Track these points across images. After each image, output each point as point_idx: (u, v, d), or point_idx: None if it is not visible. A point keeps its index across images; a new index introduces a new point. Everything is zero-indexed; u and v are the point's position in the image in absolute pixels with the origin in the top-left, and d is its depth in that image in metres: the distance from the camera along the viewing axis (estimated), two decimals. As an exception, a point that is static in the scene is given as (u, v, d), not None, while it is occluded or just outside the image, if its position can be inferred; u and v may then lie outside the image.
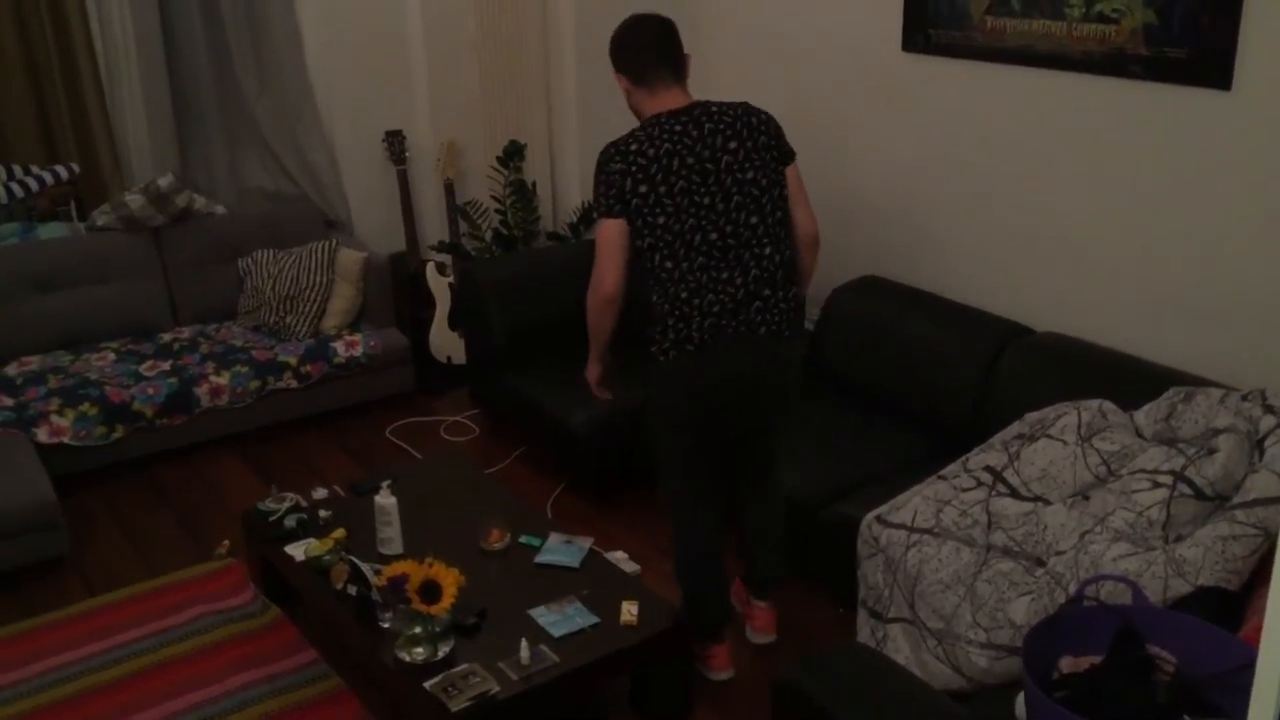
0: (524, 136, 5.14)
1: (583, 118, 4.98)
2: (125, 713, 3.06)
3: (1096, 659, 2.24)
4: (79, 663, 3.27)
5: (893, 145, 4.16)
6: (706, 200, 2.87)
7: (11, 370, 4.38)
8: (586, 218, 5.06)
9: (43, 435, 4.05)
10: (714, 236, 2.88)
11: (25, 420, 4.04)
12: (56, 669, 3.24)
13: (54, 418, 4.09)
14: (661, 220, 2.86)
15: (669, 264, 2.89)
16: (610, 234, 2.90)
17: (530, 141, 5.14)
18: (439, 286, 5.05)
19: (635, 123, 3.03)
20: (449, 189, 5.15)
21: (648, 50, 2.95)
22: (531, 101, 5.11)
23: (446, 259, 5.14)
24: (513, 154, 5.10)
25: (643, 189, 2.85)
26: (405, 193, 5.15)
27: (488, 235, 5.21)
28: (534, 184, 5.17)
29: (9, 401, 4.13)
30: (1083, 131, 3.52)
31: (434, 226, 5.37)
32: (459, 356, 5.09)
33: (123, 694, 3.14)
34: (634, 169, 2.85)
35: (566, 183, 5.14)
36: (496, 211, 5.21)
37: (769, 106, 4.61)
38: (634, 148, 2.87)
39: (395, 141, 5.13)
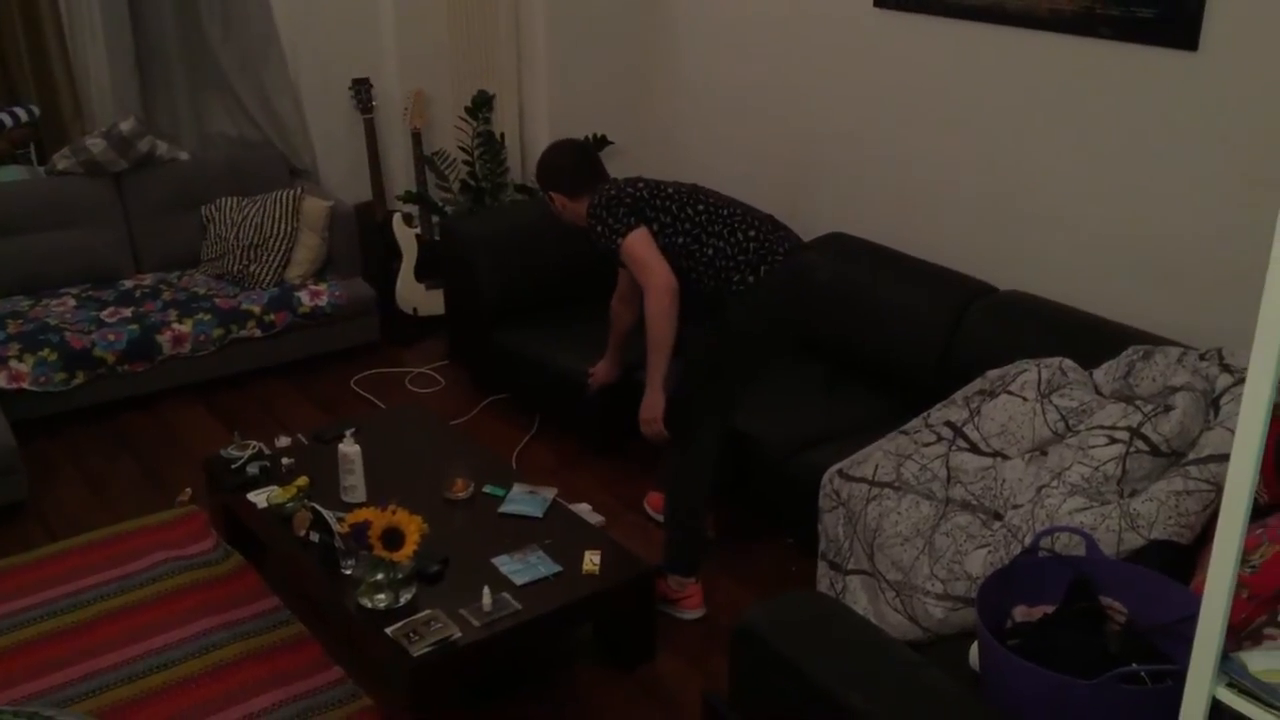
0: (493, 87, 5.10)
1: (552, 69, 4.94)
2: (85, 657, 3.06)
3: (1049, 609, 2.28)
4: (39, 607, 3.26)
5: (862, 101, 4.16)
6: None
7: (-31, 315, 4.33)
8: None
9: (2, 380, 4.01)
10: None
11: (-16, 365, 4.00)
12: (16, 613, 3.23)
13: (13, 363, 4.04)
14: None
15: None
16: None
17: (499, 92, 5.10)
18: (406, 237, 5.01)
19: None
20: (417, 139, 5.10)
21: (577, 169, 3.32)
22: (501, 51, 5.05)
23: (413, 209, 5.10)
24: (481, 104, 5.06)
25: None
26: (372, 142, 5.09)
27: (455, 186, 5.18)
28: (502, 135, 5.13)
29: (-33, 346, 4.09)
30: (1050, 90, 3.53)
31: (401, 176, 5.32)
32: (425, 308, 5.07)
33: (82, 639, 3.13)
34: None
35: (535, 134, 5.10)
36: (464, 163, 5.17)
37: (740, 61, 4.62)
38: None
39: (362, 89, 5.07)
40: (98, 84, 4.82)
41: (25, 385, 4.06)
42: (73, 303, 4.46)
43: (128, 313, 4.38)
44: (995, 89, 3.69)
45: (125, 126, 4.61)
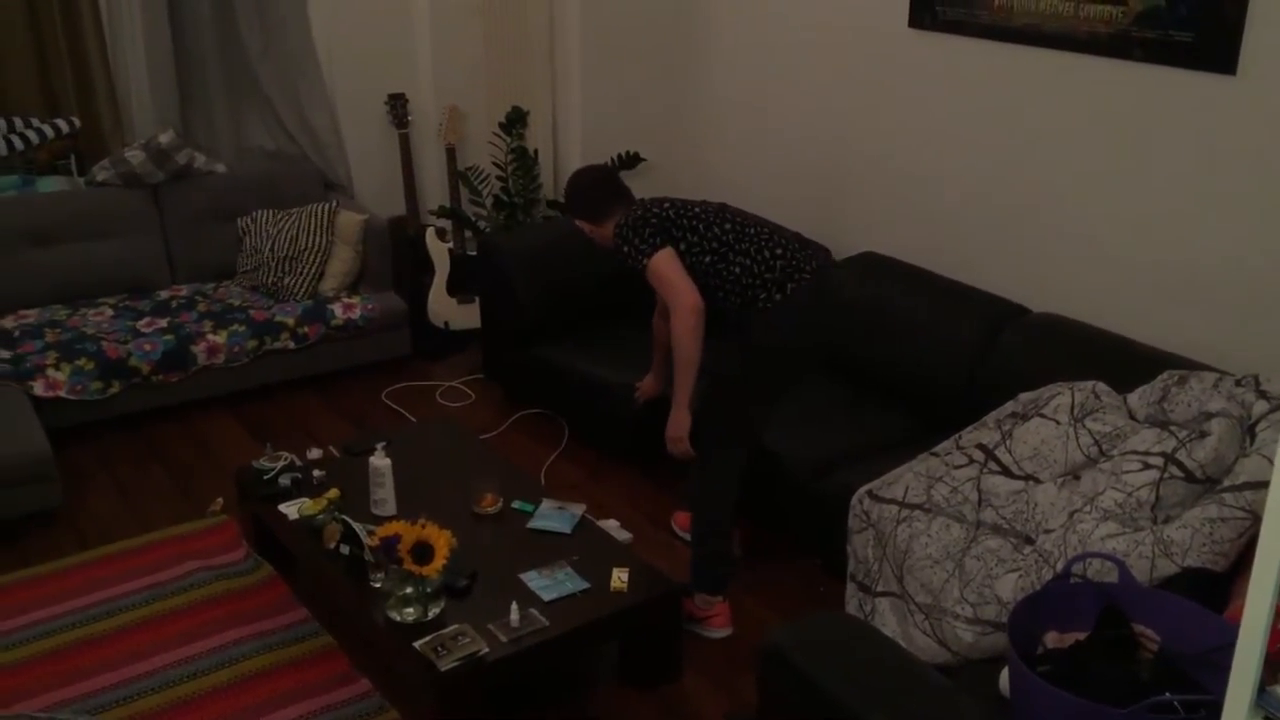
0: (527, 103, 5.12)
1: (586, 85, 4.96)
2: (115, 665, 3.08)
3: (1081, 635, 2.26)
4: (70, 615, 3.29)
5: (896, 122, 4.15)
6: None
7: (9, 323, 4.38)
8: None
9: (39, 388, 4.05)
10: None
11: (22, 373, 4.04)
12: (48, 620, 3.26)
13: (50, 371, 4.09)
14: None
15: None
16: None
17: (533, 108, 5.13)
18: (438, 251, 5.04)
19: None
20: (450, 154, 5.13)
21: (598, 195, 3.32)
22: (535, 68, 5.08)
23: (446, 224, 5.13)
24: (515, 120, 5.09)
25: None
26: (406, 156, 5.13)
27: (488, 201, 5.20)
28: (536, 151, 5.15)
29: (5, 354, 4.13)
30: (1086, 113, 3.51)
31: (434, 191, 5.36)
32: (456, 322, 5.09)
33: (113, 646, 3.16)
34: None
35: (568, 150, 5.12)
36: (498, 178, 5.20)
37: (773, 79, 4.63)
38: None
39: (398, 104, 5.11)
40: (138, 97, 4.89)
41: (62, 393, 4.10)
42: (110, 312, 4.51)
43: (163, 323, 4.42)
44: (1029, 110, 3.68)
45: (164, 139, 4.66)
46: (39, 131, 4.68)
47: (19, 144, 4.64)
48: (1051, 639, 2.28)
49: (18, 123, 4.65)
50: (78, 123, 4.79)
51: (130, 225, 4.69)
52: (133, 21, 4.79)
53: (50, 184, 4.69)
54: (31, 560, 3.56)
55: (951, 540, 2.89)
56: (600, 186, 3.34)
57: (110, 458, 4.20)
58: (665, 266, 3.10)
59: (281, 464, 3.44)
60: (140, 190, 4.72)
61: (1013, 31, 3.65)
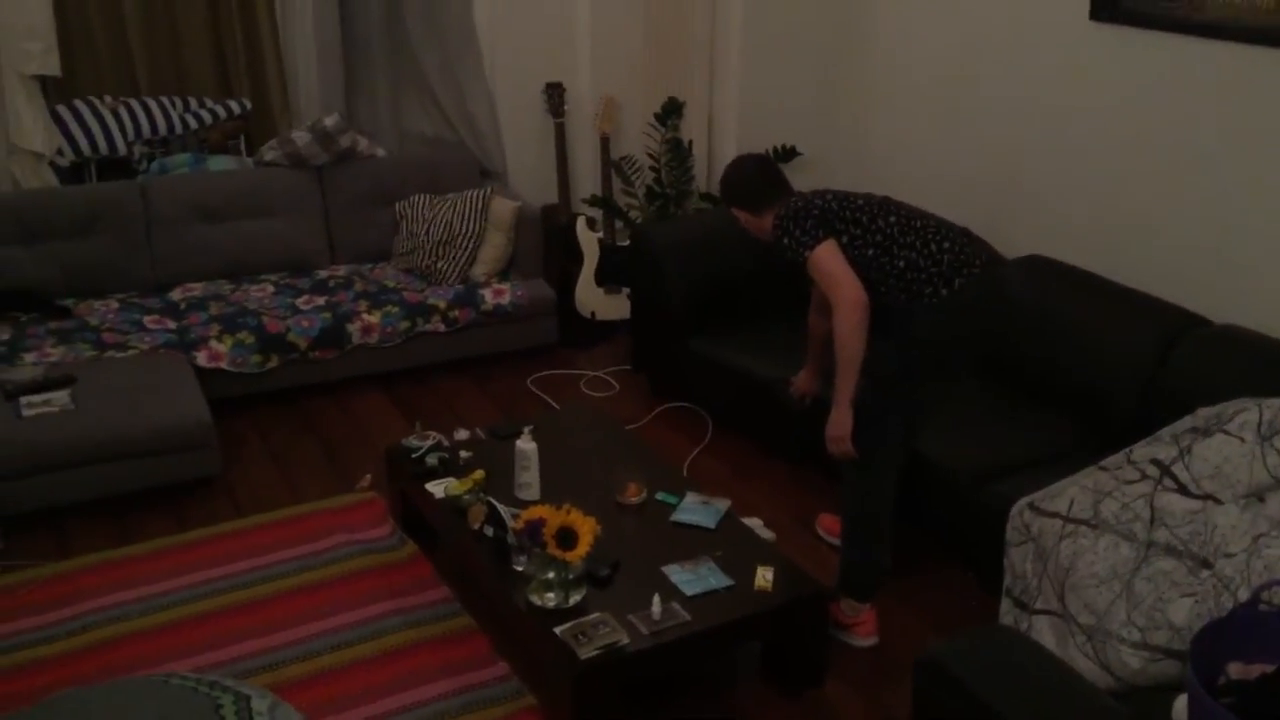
0: (683, 94, 5.08)
1: (744, 77, 4.89)
2: (263, 632, 3.14)
3: (1269, 668, 2.09)
4: (223, 579, 3.37)
5: (1072, 120, 3.96)
6: None
7: (176, 295, 4.54)
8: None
9: (202, 359, 4.18)
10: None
11: (186, 343, 4.18)
12: (202, 584, 3.35)
13: (213, 343, 4.22)
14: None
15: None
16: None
17: (689, 100, 5.08)
18: (588, 241, 5.04)
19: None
20: (605, 144, 5.12)
21: (760, 184, 3.24)
22: (694, 59, 5.03)
23: (597, 214, 5.12)
24: (671, 111, 5.05)
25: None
26: (561, 145, 5.14)
27: (641, 192, 5.18)
28: (690, 143, 5.10)
29: (172, 325, 4.28)
30: (1284, 112, 3.29)
31: (586, 181, 5.35)
32: (603, 312, 5.08)
33: (262, 613, 3.23)
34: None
35: (723, 143, 5.06)
36: (651, 169, 5.16)
37: (940, 75, 4.48)
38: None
39: (555, 94, 5.12)
40: (306, 81, 5.02)
41: (223, 365, 4.23)
42: (271, 289, 4.63)
43: (321, 301, 4.52)
44: (1220, 110, 3.46)
45: (329, 122, 4.77)
46: (212, 112, 4.84)
47: (193, 123, 4.81)
48: (1235, 670, 2.12)
49: (193, 103, 4.82)
50: (249, 104, 4.94)
51: (294, 205, 4.81)
52: (304, 10, 4.91)
53: (221, 162, 4.84)
54: (189, 525, 3.67)
55: (1120, 559, 2.73)
56: (761, 175, 3.26)
57: (266, 429, 4.31)
58: (828, 259, 3.00)
59: (430, 443, 3.47)
60: (305, 171, 4.84)
61: (1204, 25, 3.44)
